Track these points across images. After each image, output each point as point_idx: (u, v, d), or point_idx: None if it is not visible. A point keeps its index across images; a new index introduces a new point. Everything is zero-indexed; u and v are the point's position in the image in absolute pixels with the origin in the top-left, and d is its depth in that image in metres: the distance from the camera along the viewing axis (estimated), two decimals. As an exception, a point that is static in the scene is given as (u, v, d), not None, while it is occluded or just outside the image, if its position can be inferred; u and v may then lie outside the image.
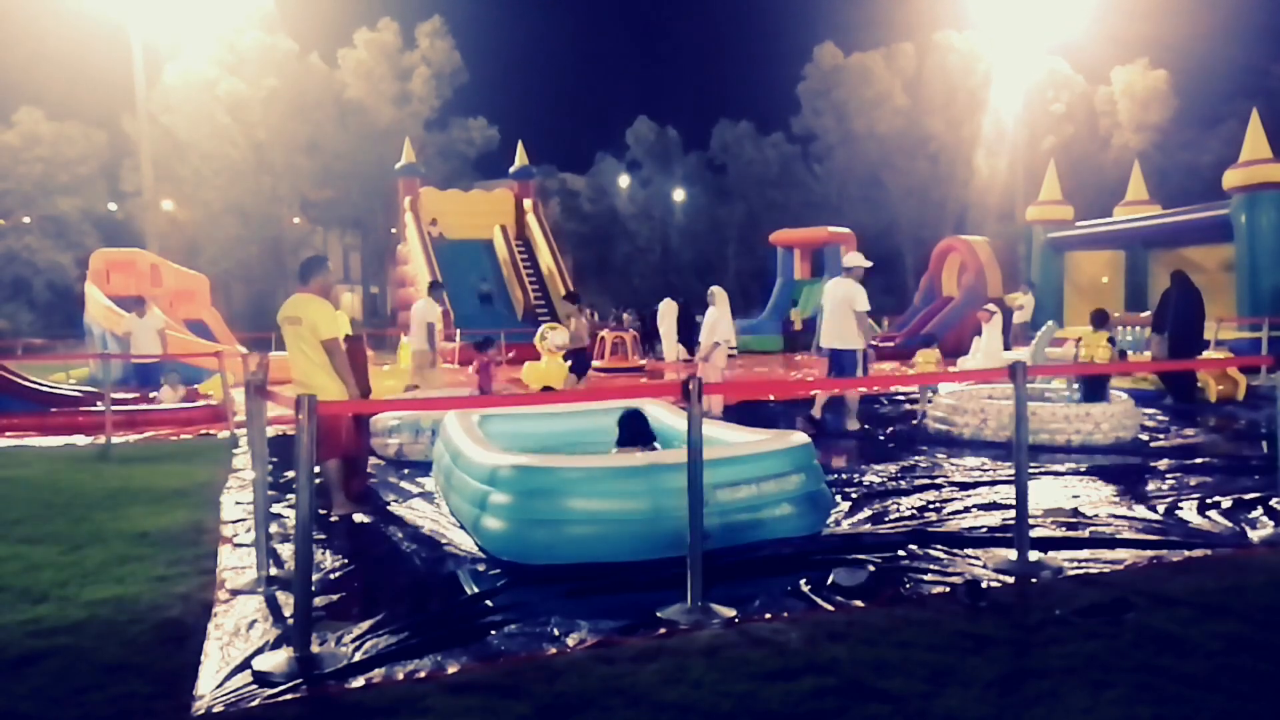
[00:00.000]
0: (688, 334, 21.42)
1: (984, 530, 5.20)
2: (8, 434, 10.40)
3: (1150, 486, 6.33)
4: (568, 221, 48.71)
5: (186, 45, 38.85)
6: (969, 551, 4.76)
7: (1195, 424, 9.54)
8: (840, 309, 9.43)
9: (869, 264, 9.98)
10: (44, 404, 11.48)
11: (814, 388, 11.42)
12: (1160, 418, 9.80)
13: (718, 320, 10.85)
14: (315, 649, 3.49)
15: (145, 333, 13.40)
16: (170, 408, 11.54)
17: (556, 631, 3.69)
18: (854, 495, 6.18)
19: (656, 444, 5.79)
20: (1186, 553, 4.69)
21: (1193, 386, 11.26)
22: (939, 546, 4.87)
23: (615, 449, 5.77)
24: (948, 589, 4.15)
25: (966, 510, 5.73)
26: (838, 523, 5.46)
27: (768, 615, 3.86)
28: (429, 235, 27.59)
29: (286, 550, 4.92)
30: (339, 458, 6.05)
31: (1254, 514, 5.44)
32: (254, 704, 3.10)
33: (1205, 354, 13.11)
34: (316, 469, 6.31)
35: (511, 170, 31.01)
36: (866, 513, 5.70)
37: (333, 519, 5.88)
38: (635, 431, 5.78)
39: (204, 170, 39.57)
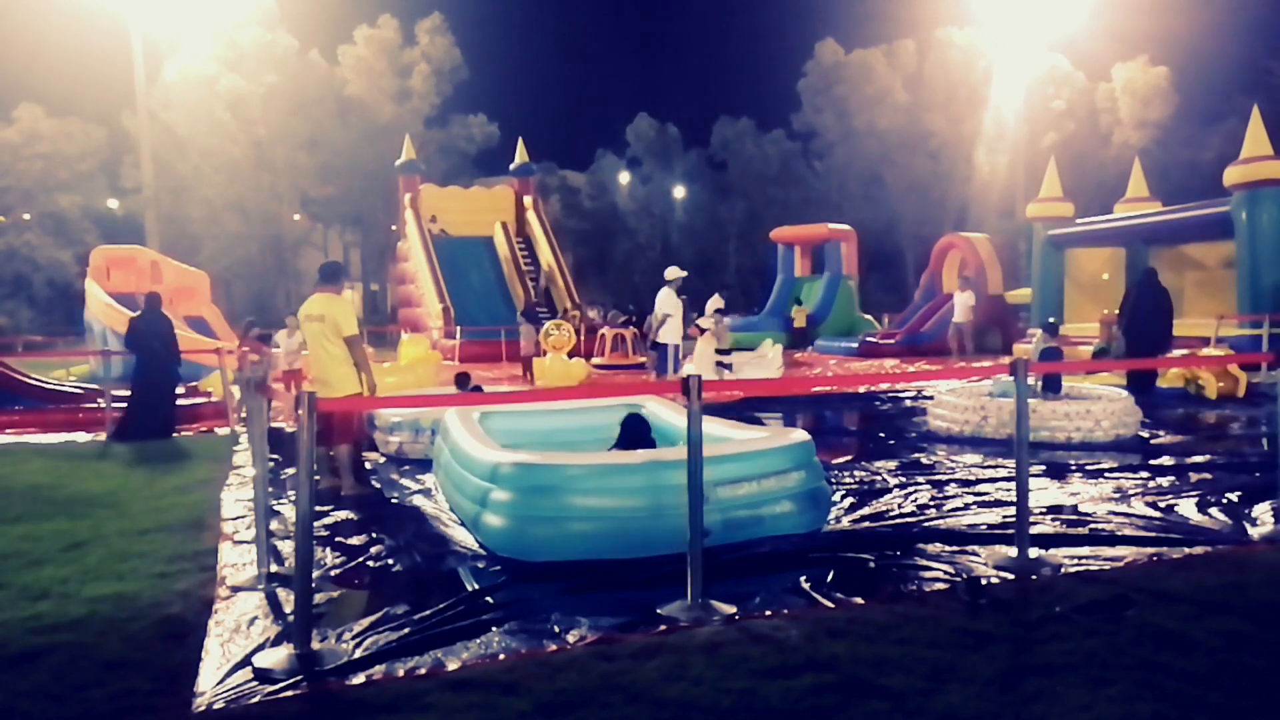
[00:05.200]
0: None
1: (984, 527, 5.20)
2: (8, 431, 10.41)
3: (1150, 483, 6.33)
4: (568, 218, 48.69)
5: (186, 42, 38.83)
6: (969, 548, 4.77)
7: (1195, 421, 9.55)
8: None
9: None
10: (44, 401, 11.48)
11: (814, 385, 11.41)
12: (1161, 415, 9.80)
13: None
14: (316, 646, 3.49)
15: None
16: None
17: (557, 628, 3.69)
18: (854, 492, 6.18)
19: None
20: (1187, 550, 4.69)
21: (1150, 379, 11.38)
22: (939, 543, 4.87)
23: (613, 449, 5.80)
24: (948, 586, 4.16)
25: (967, 507, 5.72)
26: (838, 520, 5.46)
27: (768, 612, 3.86)
28: (429, 232, 27.55)
29: (287, 547, 4.92)
30: (352, 443, 6.66)
31: (1254, 511, 5.44)
32: (254, 701, 3.11)
33: (1206, 351, 13.12)
34: (331, 453, 6.53)
35: (512, 167, 30.95)
36: (867, 510, 5.70)
37: (343, 494, 6.47)
38: (636, 435, 5.81)
39: (204, 167, 39.56)
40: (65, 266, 38.23)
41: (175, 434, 9.92)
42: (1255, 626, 3.59)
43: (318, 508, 5.01)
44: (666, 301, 12.31)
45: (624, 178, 52.85)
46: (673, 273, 12.73)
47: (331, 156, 42.10)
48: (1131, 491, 6.07)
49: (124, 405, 9.99)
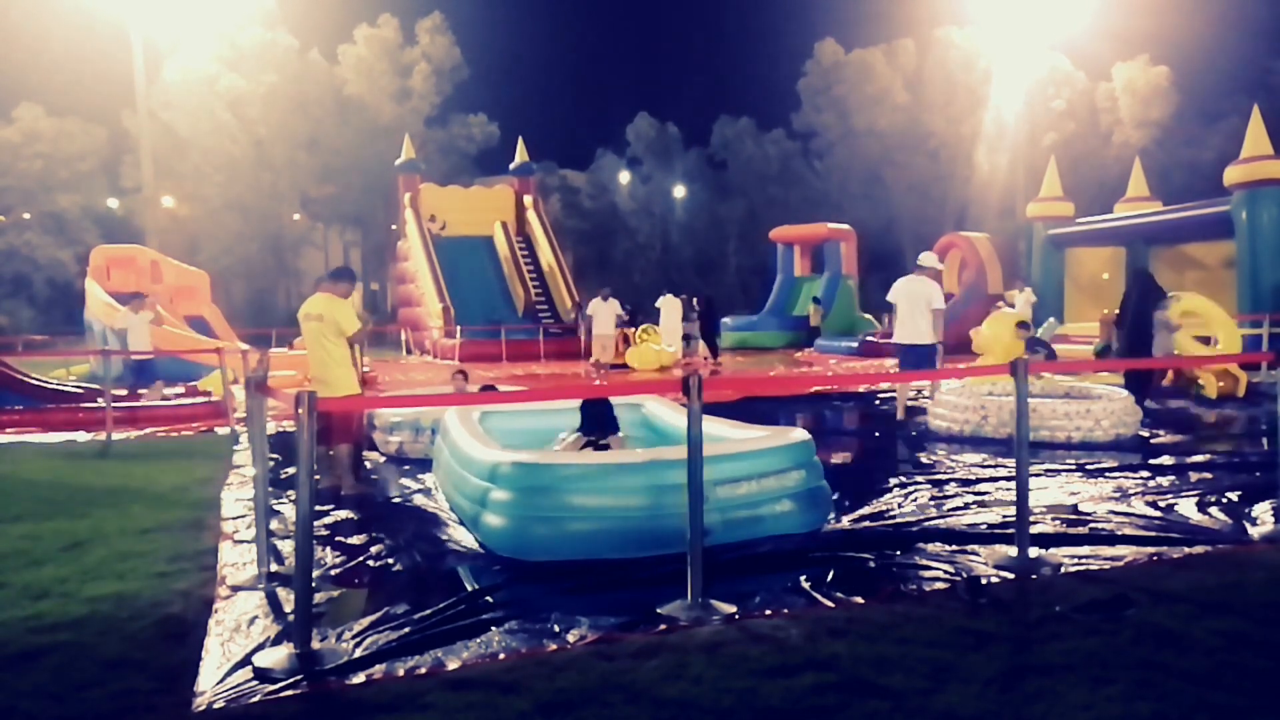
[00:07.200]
0: (710, 332, 21.32)
1: (984, 527, 5.20)
2: (8, 430, 10.40)
3: (1150, 483, 6.33)
4: (568, 218, 48.66)
5: (187, 41, 38.81)
6: (969, 548, 4.77)
7: (1195, 421, 9.54)
8: None
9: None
10: (45, 400, 11.48)
11: (814, 384, 11.42)
12: (1160, 415, 9.79)
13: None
14: (316, 645, 3.49)
15: (140, 329, 13.40)
16: (170, 404, 11.54)
17: (557, 628, 3.69)
18: (854, 491, 6.18)
19: (620, 433, 5.96)
20: (1186, 549, 4.69)
21: (1148, 382, 11.35)
22: (939, 543, 4.87)
23: (574, 434, 5.87)
24: (948, 585, 4.16)
25: (966, 507, 5.73)
26: (838, 519, 5.46)
27: (768, 612, 3.86)
28: (429, 231, 27.54)
29: (287, 546, 4.92)
30: (352, 443, 6.72)
31: (1254, 510, 5.44)
32: (254, 700, 3.11)
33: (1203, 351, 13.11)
34: (331, 452, 6.52)
35: (512, 166, 30.92)
36: (867, 509, 5.70)
37: (344, 493, 6.50)
38: (597, 418, 5.88)
39: (204, 166, 39.56)
40: (65, 266, 38.21)
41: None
42: (1255, 626, 3.59)
43: (318, 507, 5.01)
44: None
45: (624, 177, 52.84)
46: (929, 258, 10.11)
47: (331, 156, 42.08)
48: (1131, 491, 6.07)
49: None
